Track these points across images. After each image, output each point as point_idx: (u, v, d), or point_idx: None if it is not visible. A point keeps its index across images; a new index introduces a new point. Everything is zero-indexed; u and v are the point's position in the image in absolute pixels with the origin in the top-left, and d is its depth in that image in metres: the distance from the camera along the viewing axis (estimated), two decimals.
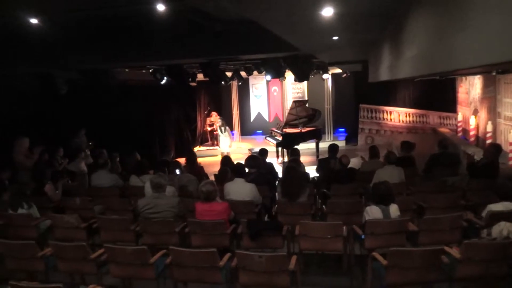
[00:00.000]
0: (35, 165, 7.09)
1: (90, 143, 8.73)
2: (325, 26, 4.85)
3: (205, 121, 14.31)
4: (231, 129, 14.98)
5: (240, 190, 4.89)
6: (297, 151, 6.99)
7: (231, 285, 3.65)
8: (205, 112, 14.07)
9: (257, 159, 6.16)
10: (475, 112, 11.03)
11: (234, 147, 13.79)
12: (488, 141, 9.28)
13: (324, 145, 11.42)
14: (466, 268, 3.25)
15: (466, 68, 2.74)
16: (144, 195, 4.99)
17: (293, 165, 5.50)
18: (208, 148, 13.89)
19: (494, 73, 6.99)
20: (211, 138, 14.08)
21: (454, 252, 3.34)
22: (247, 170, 5.64)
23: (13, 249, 3.87)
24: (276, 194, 5.51)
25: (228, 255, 3.58)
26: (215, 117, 13.55)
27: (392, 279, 3.26)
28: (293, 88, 15.23)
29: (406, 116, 14.48)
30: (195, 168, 6.68)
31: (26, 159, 7.05)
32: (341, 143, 12.98)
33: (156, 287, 3.77)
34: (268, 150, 7.41)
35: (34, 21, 4.99)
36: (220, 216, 4.17)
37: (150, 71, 9.65)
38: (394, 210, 3.92)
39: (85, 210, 5.33)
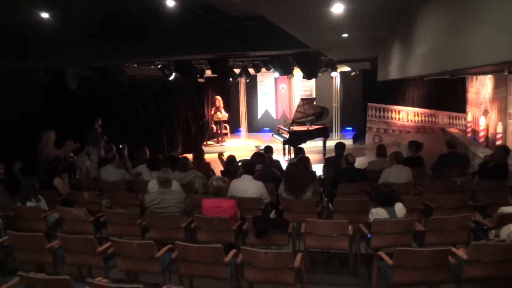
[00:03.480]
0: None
1: (104, 137, 8.88)
2: (335, 23, 4.82)
3: (212, 117, 14.31)
4: (238, 126, 14.99)
5: (247, 187, 4.89)
6: (302, 150, 6.96)
7: (237, 281, 3.66)
8: (212, 108, 14.09)
9: (262, 155, 6.15)
10: (485, 113, 10.88)
11: (241, 144, 13.81)
12: (498, 142, 9.15)
13: (331, 143, 11.38)
14: (474, 269, 3.22)
15: (478, 66, 2.70)
16: None
17: (295, 162, 5.50)
18: (215, 144, 13.91)
19: (506, 73, 6.87)
20: (218, 135, 14.09)
21: (461, 253, 3.31)
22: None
23: (22, 241, 3.92)
24: (281, 191, 5.49)
25: (233, 251, 3.58)
26: (219, 102, 13.68)
27: (398, 279, 3.24)
28: (301, 86, 15.17)
29: (414, 116, 14.35)
30: (202, 165, 6.69)
31: (57, 151, 7.45)
32: (348, 142, 12.91)
33: (162, 281, 3.80)
34: (274, 147, 7.39)
35: (45, 15, 5.04)
36: (226, 213, 4.18)
37: (159, 66, 9.67)
38: (399, 209, 3.88)
39: (93, 204, 5.39)
